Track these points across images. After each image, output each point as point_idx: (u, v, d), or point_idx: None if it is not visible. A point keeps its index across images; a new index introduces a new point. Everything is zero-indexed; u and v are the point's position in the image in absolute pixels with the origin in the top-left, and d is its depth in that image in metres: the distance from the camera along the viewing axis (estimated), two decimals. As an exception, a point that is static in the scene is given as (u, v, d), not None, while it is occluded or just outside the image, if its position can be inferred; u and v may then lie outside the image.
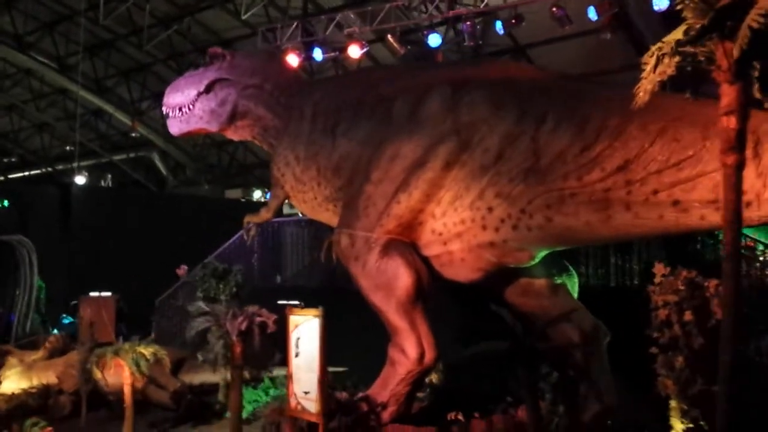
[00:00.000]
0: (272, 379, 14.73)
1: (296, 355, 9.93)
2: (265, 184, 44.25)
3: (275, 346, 11.59)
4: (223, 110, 14.07)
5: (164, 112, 14.80)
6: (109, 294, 19.32)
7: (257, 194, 40.41)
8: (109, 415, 14.68)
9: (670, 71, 6.84)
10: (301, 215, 24.98)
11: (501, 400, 12.43)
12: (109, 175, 42.21)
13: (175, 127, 14.65)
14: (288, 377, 10.04)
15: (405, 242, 11.32)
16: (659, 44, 7.02)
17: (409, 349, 11.05)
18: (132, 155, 45.48)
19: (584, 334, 11.02)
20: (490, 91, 10.91)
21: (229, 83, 14.07)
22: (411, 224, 11.25)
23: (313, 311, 9.84)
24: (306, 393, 9.65)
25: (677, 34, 6.97)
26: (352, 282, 17.38)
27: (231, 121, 14.12)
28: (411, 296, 11.08)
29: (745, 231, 14.08)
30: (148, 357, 12.53)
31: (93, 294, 19.48)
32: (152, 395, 14.66)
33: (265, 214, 13.94)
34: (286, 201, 14.27)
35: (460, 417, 11.96)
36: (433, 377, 12.66)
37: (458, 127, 10.86)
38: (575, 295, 11.82)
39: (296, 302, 10.21)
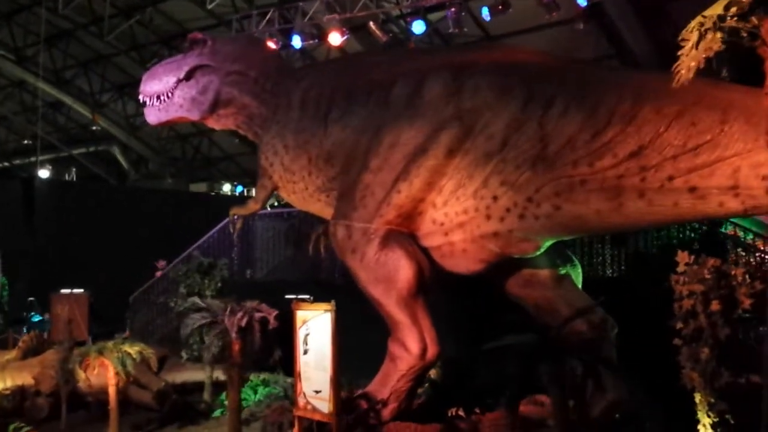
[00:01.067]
0: (261, 378, 14.21)
1: (305, 353, 9.44)
2: (230, 178, 43.78)
3: (275, 343, 11.08)
4: (205, 98, 13.51)
5: (141, 101, 14.16)
6: (81, 291, 18.65)
7: (226, 187, 39.78)
8: (88, 416, 14.08)
9: (716, 47, 6.47)
10: (268, 208, 24.71)
11: (500, 394, 12.12)
12: (74, 169, 41.25)
13: (152, 116, 14.03)
14: (296, 376, 9.54)
15: (404, 233, 10.90)
16: (700, 19, 6.65)
17: (411, 343, 10.64)
18: (92, 149, 44.59)
19: (593, 326, 10.67)
20: (494, 75, 10.50)
21: (211, 70, 13.52)
22: (410, 214, 10.83)
23: (324, 305, 9.37)
24: (317, 392, 9.17)
25: (717, 8, 6.60)
26: (338, 275, 17.07)
27: (213, 110, 13.57)
28: (412, 289, 10.66)
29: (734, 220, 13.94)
30: (134, 356, 11.97)
31: (65, 291, 18.80)
32: (133, 395, 14.06)
33: (253, 206, 13.40)
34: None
35: (461, 413, 11.62)
36: (432, 372, 12.24)
37: (461, 113, 10.44)
38: (579, 286, 11.50)
39: (306, 296, 9.67)
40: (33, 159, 38.36)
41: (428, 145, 10.52)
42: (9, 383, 14.32)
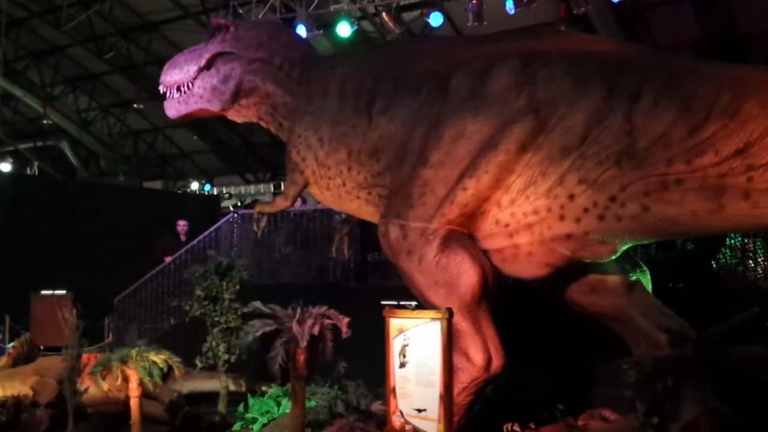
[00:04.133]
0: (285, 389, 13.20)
1: (401, 366, 8.46)
2: (186, 176, 42.48)
3: (340, 354, 10.09)
4: (226, 87, 12.60)
5: (161, 92, 13.19)
6: (64, 292, 17.41)
7: (194, 185, 38.48)
8: (92, 430, 12.91)
9: None
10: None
11: (552, 407, 11.40)
12: (36, 163, 39.52)
13: (172, 110, 13.07)
14: (388, 392, 8.54)
15: (465, 234, 10.05)
16: None
17: (475, 354, 9.70)
18: (39, 144, 42.85)
19: (672, 336, 9.95)
20: (570, 64, 9.70)
21: (233, 57, 12.62)
22: (472, 214, 9.95)
23: (432, 313, 8.43)
24: (419, 411, 8.19)
25: None
26: (350, 279, 16.20)
27: (235, 100, 12.66)
28: (476, 295, 9.75)
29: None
30: (161, 365, 10.93)
31: (45, 292, 17.56)
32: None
33: (281, 203, 12.40)
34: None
35: (517, 428, 10.84)
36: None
37: (535, 104, 9.61)
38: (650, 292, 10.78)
39: (409, 302, 8.72)
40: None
41: (498, 139, 9.66)
42: (0, 393, 13.07)
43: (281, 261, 17.28)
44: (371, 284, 15.67)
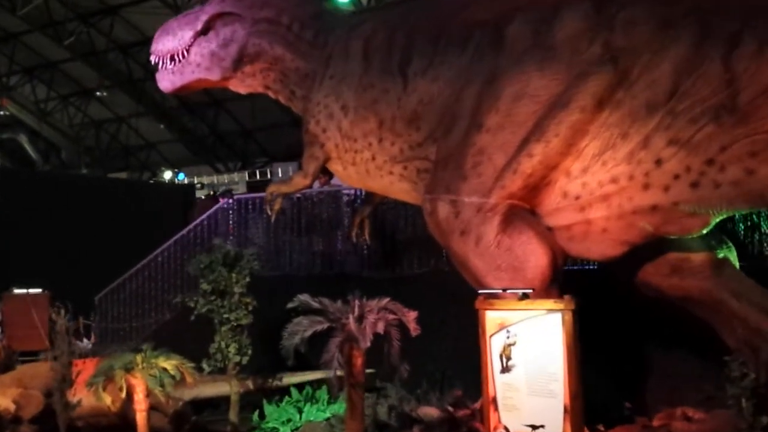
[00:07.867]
0: (300, 391, 11.68)
1: (504, 370, 6.91)
2: (150, 167, 40.72)
3: (403, 356, 8.52)
4: (227, 52, 11.14)
5: (153, 62, 11.66)
6: (39, 291, 15.76)
7: (167, 175, 36.70)
8: (84, 447, 11.32)
9: None
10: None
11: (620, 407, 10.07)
12: (-1, 156, 37.56)
13: (166, 81, 11.62)
14: (487, 403, 6.97)
15: (527, 209, 8.62)
16: None
17: (544, 348, 8.30)
18: (-5, 137, 40.82)
19: (777, 321, 8.59)
20: (655, 5, 8.27)
21: (234, 18, 11.17)
22: (536, 185, 8.52)
23: (548, 302, 6.90)
24: (535, 428, 6.62)
25: None
26: (363, 268, 14.63)
27: (237, 66, 11.22)
28: (546, 280, 8.24)
29: None
30: (172, 372, 9.38)
31: (18, 291, 15.88)
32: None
33: (300, 181, 10.85)
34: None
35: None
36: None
37: (613, 52, 8.16)
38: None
39: (517, 290, 7.10)
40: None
41: (570, 95, 8.21)
42: (-24, 407, 11.38)
43: (283, 250, 15.67)
44: (387, 273, 14.09)
